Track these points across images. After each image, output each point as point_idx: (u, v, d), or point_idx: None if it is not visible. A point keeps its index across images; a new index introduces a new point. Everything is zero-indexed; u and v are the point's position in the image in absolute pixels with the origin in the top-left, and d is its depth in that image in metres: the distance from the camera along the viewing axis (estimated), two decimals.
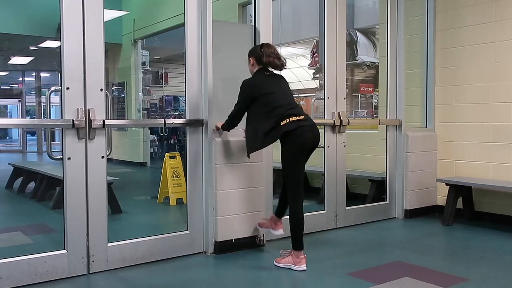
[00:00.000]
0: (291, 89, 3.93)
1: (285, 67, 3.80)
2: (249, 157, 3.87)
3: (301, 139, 3.59)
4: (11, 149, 19.46)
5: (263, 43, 3.90)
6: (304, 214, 3.73)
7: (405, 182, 5.46)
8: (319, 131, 3.77)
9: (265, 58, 3.72)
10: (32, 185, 7.39)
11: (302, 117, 3.62)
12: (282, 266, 3.73)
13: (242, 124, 3.91)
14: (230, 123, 3.87)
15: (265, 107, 3.63)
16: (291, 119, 3.57)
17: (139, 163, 11.69)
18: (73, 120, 3.46)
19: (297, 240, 3.69)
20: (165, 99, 12.44)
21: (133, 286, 3.45)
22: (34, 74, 17.27)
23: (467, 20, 5.36)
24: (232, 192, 4.11)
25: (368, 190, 6.06)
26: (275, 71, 3.83)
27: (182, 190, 6.17)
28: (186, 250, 4.05)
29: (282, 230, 4.04)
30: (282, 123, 3.56)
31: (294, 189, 3.69)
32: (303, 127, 3.59)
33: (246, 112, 3.77)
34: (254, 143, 3.70)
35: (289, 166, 3.67)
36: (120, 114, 12.40)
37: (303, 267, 3.65)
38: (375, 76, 8.56)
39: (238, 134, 4.05)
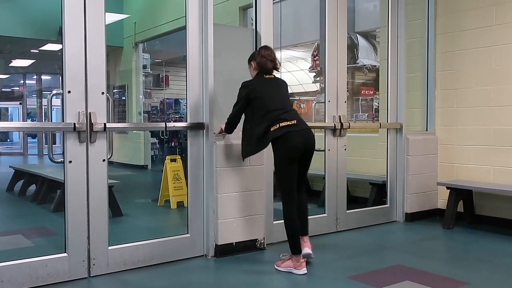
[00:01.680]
0: (289, 92, 3.95)
1: (277, 69, 3.82)
2: (243, 160, 3.94)
3: (289, 144, 3.59)
4: (12, 151, 19.48)
5: (262, 46, 3.94)
6: None
7: (406, 186, 5.45)
8: (314, 134, 3.78)
9: (258, 58, 3.77)
10: (33, 188, 7.39)
11: (294, 121, 3.62)
12: (282, 270, 3.73)
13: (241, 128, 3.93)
14: (230, 125, 3.89)
15: (260, 110, 3.66)
16: (281, 124, 3.59)
17: (140, 166, 11.70)
18: (74, 124, 3.46)
19: (293, 244, 3.68)
20: (166, 102, 12.45)
21: None
22: (35, 77, 17.31)
23: (467, 24, 5.37)
24: (233, 195, 4.11)
25: (369, 194, 6.05)
26: (276, 74, 3.85)
27: (183, 193, 6.17)
28: (186, 253, 4.05)
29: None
30: (271, 129, 3.60)
31: (286, 194, 3.70)
32: (291, 133, 3.58)
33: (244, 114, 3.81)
34: (249, 146, 3.75)
35: (279, 172, 3.71)
36: (121, 117, 12.42)
37: (303, 270, 3.65)
38: (375, 79, 8.57)
39: (239, 137, 4.05)
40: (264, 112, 3.63)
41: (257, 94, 3.68)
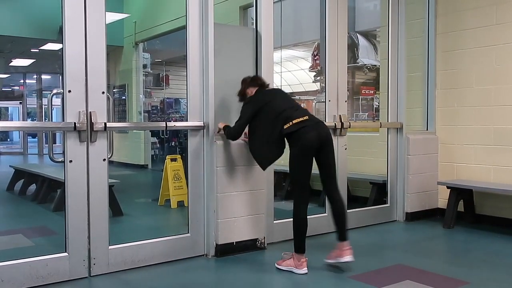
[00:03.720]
0: (290, 92, 4.03)
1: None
2: (264, 170, 3.97)
3: (303, 141, 3.61)
4: (12, 151, 19.48)
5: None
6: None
7: (406, 185, 5.45)
8: (328, 128, 3.79)
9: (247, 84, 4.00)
10: (33, 187, 7.39)
11: (305, 117, 3.69)
12: (283, 269, 3.73)
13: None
14: (232, 138, 3.92)
15: (269, 115, 3.74)
16: (293, 121, 3.65)
17: (140, 165, 11.70)
18: (74, 123, 3.46)
19: (299, 243, 3.68)
20: (166, 102, 12.46)
21: None
22: (35, 76, 17.29)
23: (468, 23, 5.37)
24: (233, 194, 4.11)
25: (369, 193, 6.05)
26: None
27: (183, 193, 6.17)
28: (187, 253, 4.05)
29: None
30: (285, 126, 3.65)
31: (299, 191, 3.69)
32: (305, 127, 3.64)
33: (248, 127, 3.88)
34: (269, 154, 3.81)
35: (293, 168, 3.68)
36: (121, 117, 12.42)
37: (304, 270, 3.65)
38: (376, 79, 8.57)
39: None
40: (274, 115, 3.72)
41: (265, 101, 3.80)
